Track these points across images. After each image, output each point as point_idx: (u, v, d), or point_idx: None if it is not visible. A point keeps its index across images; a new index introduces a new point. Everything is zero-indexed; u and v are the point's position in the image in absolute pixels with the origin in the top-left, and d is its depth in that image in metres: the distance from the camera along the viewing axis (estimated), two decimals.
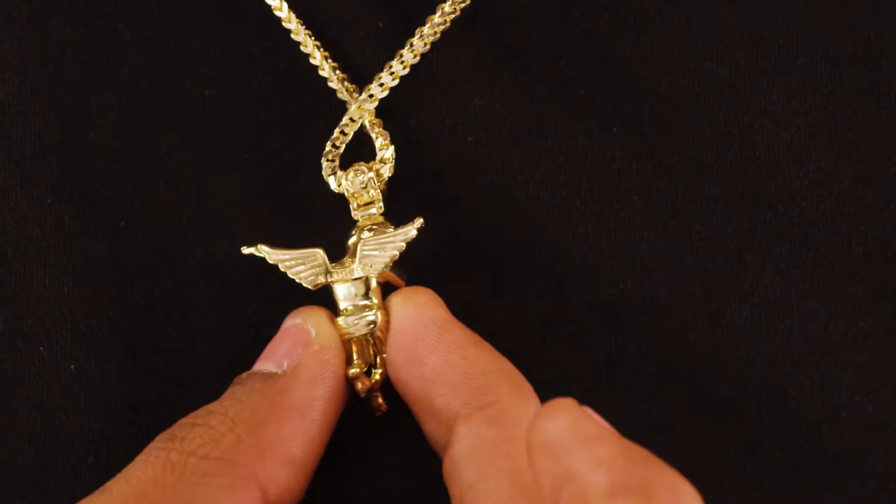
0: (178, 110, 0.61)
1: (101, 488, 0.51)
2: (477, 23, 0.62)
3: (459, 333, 0.55)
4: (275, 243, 0.59)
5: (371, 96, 0.60)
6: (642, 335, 0.58)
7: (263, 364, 0.55)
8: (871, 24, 0.61)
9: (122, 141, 0.61)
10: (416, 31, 0.60)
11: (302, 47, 0.60)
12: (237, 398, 0.53)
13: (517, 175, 0.60)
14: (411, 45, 0.60)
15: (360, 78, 0.61)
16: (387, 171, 0.60)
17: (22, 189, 0.60)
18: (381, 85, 0.60)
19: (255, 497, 0.51)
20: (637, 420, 0.58)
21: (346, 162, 0.60)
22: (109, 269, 0.60)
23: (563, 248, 0.59)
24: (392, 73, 0.60)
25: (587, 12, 0.61)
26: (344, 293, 0.57)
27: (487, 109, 0.61)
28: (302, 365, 0.54)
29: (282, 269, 0.58)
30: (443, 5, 0.60)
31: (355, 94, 0.60)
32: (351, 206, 0.60)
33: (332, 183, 0.60)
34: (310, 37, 0.61)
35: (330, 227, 0.60)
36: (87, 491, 0.56)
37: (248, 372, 0.55)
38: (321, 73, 0.60)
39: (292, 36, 0.61)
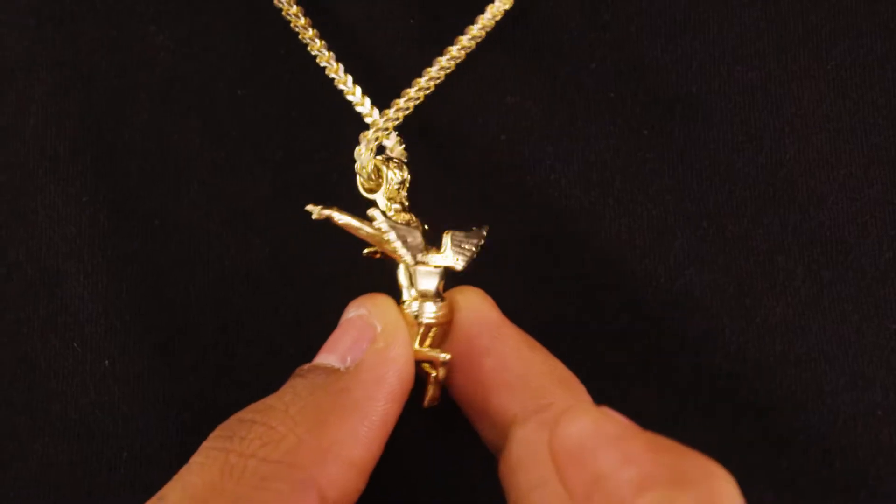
0: (210, 110, 0.61)
1: (158, 495, 0.50)
2: (510, 25, 0.62)
3: (514, 335, 0.55)
4: (307, 243, 0.59)
5: (406, 104, 0.60)
6: (676, 333, 0.58)
7: (326, 357, 0.54)
8: None
9: (156, 141, 0.61)
10: (455, 41, 0.60)
11: (327, 69, 0.61)
12: (298, 394, 0.52)
13: (550, 173, 0.60)
14: (449, 53, 0.60)
15: (392, 76, 0.61)
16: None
17: (56, 188, 0.60)
18: (420, 89, 0.60)
19: (313, 500, 0.49)
20: (671, 418, 0.58)
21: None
22: (143, 267, 0.60)
23: (596, 247, 0.59)
24: (430, 80, 0.60)
25: (617, 17, 0.62)
26: (426, 280, 0.57)
27: (519, 108, 0.61)
28: (365, 363, 0.52)
29: (386, 237, 0.57)
30: (481, 16, 0.61)
31: (374, 109, 0.60)
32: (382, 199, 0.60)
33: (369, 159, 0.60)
34: (325, 48, 0.61)
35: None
36: (122, 485, 0.57)
37: (311, 364, 0.53)
38: (340, 86, 0.60)
39: (310, 50, 0.61)
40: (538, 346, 0.54)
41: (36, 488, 0.57)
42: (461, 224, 0.58)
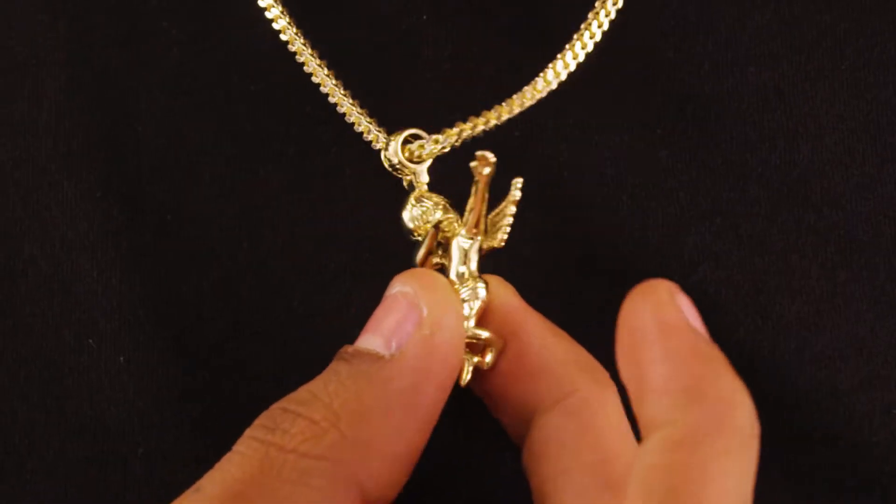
0: (223, 105, 0.61)
1: (195, 486, 0.49)
2: (522, 23, 0.62)
3: (537, 322, 0.54)
4: (319, 236, 0.59)
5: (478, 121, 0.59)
6: None
7: (370, 339, 0.51)
8: None
9: (169, 136, 0.61)
10: (509, 101, 0.59)
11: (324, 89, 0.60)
12: (342, 383, 0.49)
13: (563, 170, 0.60)
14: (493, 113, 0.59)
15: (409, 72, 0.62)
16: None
17: (69, 183, 0.60)
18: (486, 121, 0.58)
19: (354, 497, 0.48)
20: None
21: None
22: (157, 262, 0.60)
23: (610, 243, 0.59)
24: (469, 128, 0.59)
25: (630, 17, 0.62)
26: (465, 257, 0.55)
27: (533, 105, 0.61)
28: (410, 351, 0.50)
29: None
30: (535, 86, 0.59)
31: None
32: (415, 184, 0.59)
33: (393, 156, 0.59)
34: (321, 66, 0.60)
35: (376, 220, 0.60)
36: (138, 481, 0.56)
37: (354, 348, 0.51)
38: (340, 109, 0.60)
39: (305, 69, 0.60)
40: (562, 333, 0.53)
41: (52, 484, 0.57)
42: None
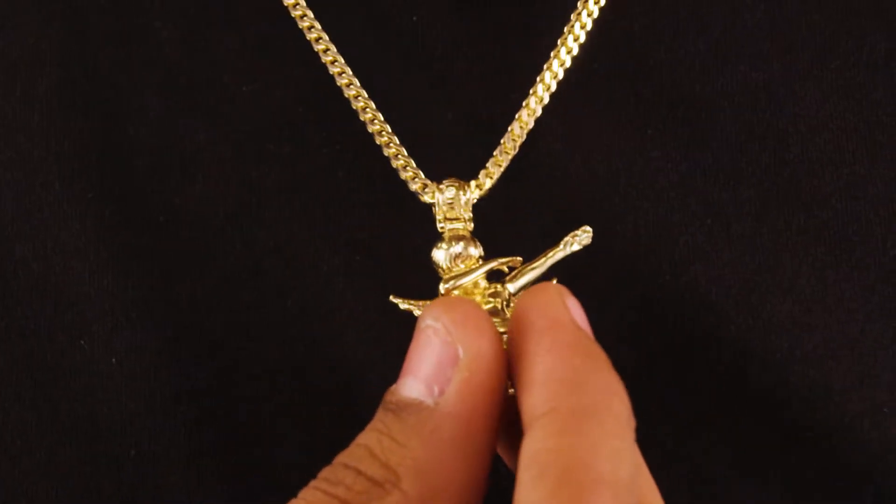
0: (216, 105, 0.61)
1: None
2: (514, 22, 0.62)
3: (561, 337, 0.49)
4: (313, 237, 0.59)
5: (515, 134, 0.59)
6: (683, 329, 0.59)
7: (411, 383, 0.48)
8: None
9: (161, 136, 0.61)
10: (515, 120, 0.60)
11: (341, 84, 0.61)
12: (395, 439, 0.48)
13: (555, 170, 0.60)
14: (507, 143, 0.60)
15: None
16: (478, 193, 0.59)
17: (62, 184, 0.60)
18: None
19: None
20: (680, 414, 0.58)
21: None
22: (150, 263, 0.59)
23: (601, 244, 0.59)
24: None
25: (621, 17, 0.62)
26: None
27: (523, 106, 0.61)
28: (454, 397, 0.47)
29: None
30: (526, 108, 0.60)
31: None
32: (437, 217, 0.59)
33: (426, 195, 0.59)
34: (335, 64, 0.61)
35: (369, 221, 0.60)
36: (131, 483, 0.56)
37: (398, 398, 0.48)
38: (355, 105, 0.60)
39: (330, 69, 0.61)
40: (592, 354, 0.48)
41: (44, 485, 0.57)
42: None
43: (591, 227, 0.58)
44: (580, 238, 0.56)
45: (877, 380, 0.58)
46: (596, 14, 0.60)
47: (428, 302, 0.56)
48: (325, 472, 0.48)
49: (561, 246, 0.56)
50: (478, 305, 0.49)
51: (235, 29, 0.62)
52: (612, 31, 0.62)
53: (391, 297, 0.57)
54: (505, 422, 0.49)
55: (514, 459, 0.50)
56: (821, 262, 0.59)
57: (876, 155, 0.60)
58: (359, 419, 0.56)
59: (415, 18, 0.62)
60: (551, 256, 0.56)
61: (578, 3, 0.60)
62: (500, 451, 0.51)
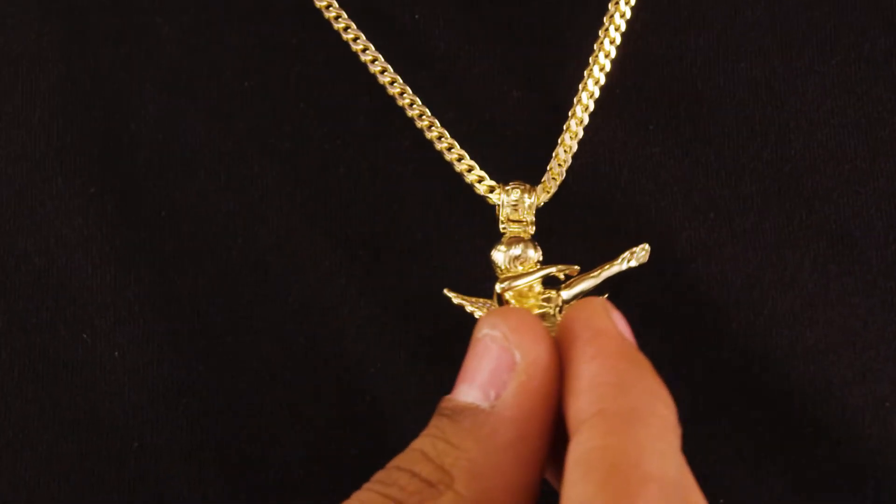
0: (217, 101, 0.61)
1: None
2: (516, 21, 0.62)
3: (606, 344, 0.49)
4: (314, 232, 0.59)
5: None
6: (686, 325, 0.59)
7: (467, 390, 0.49)
8: None
9: (163, 132, 0.61)
10: (570, 113, 0.61)
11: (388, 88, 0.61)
12: (449, 441, 0.48)
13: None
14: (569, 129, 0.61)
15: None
16: (544, 198, 0.60)
17: (64, 179, 0.60)
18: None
19: None
20: (682, 409, 0.58)
21: None
22: (152, 258, 0.60)
23: (603, 240, 0.60)
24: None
25: (623, 13, 0.62)
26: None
27: (524, 102, 0.61)
28: (510, 401, 0.48)
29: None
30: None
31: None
32: (500, 218, 0.60)
33: (494, 196, 0.60)
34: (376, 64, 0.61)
35: (370, 216, 0.60)
36: (133, 476, 0.57)
37: (454, 402, 0.49)
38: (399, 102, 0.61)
39: (370, 68, 0.61)
40: (637, 361, 0.48)
41: (46, 478, 0.57)
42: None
43: (592, 223, 0.58)
44: (637, 255, 0.58)
45: (878, 374, 0.58)
46: (624, 27, 0.61)
47: (481, 300, 0.58)
48: (379, 475, 0.48)
49: (618, 261, 0.58)
50: (533, 314, 0.50)
51: (236, 25, 0.62)
52: (612, 26, 0.62)
53: (445, 291, 0.58)
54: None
55: (558, 475, 0.50)
56: (822, 257, 0.59)
57: (877, 150, 0.61)
58: (359, 415, 0.56)
59: (417, 17, 0.62)
60: (607, 270, 0.58)
61: (609, 6, 0.61)
62: (549, 476, 0.51)
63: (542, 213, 0.60)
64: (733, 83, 0.61)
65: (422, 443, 0.48)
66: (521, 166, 0.60)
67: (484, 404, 0.48)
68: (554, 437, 0.48)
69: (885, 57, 0.62)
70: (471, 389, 0.49)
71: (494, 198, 0.59)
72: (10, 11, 0.62)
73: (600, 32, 0.61)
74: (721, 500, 0.57)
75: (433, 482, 0.47)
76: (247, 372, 0.58)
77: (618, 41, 0.61)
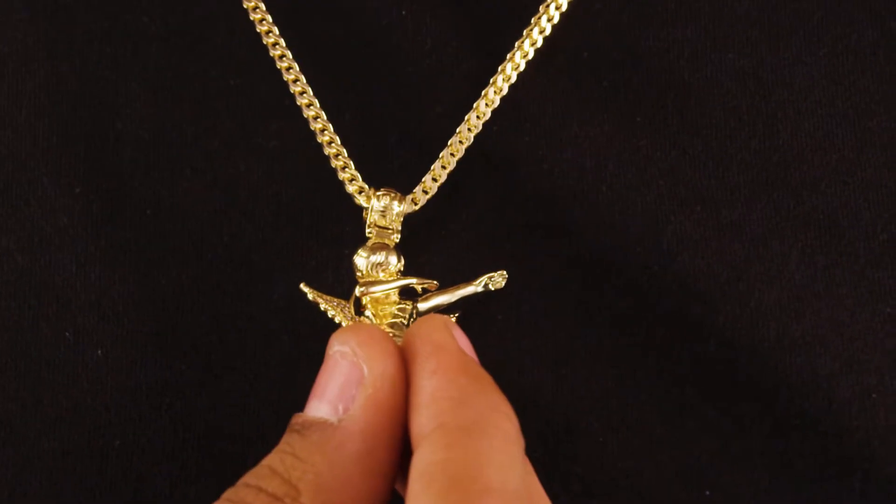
0: (203, 100, 0.61)
1: None
2: (502, 16, 0.62)
3: (446, 359, 0.49)
4: (300, 230, 0.59)
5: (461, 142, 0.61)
6: (673, 318, 0.58)
7: (317, 406, 0.50)
8: (892, 15, 0.62)
9: (149, 130, 0.61)
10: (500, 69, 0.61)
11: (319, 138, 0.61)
12: (297, 456, 0.48)
13: (543, 162, 0.60)
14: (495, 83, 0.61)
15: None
16: (411, 208, 0.60)
17: (49, 179, 0.60)
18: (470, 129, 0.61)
19: None
20: (669, 401, 0.58)
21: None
22: (136, 257, 0.60)
23: (591, 233, 0.59)
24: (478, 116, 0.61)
25: (609, 5, 0.62)
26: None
27: (511, 97, 0.61)
28: (357, 414, 0.49)
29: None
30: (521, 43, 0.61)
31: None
32: (368, 221, 0.60)
33: (361, 199, 0.60)
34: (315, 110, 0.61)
35: (354, 214, 0.60)
36: (114, 474, 0.57)
37: (303, 418, 0.50)
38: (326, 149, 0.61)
39: (277, 64, 0.62)
40: (477, 376, 0.48)
41: (27, 476, 0.57)
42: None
43: (579, 216, 0.58)
44: (494, 280, 0.58)
45: (865, 366, 0.58)
46: (564, 6, 0.61)
47: (337, 300, 0.59)
48: (228, 493, 0.48)
49: (476, 282, 0.59)
50: (382, 331, 0.50)
51: (222, 24, 0.62)
52: (599, 20, 0.62)
53: (301, 285, 0.59)
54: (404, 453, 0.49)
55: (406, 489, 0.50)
56: (810, 247, 0.59)
57: (864, 141, 0.60)
58: None
59: (403, 13, 0.62)
60: (463, 289, 0.59)
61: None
62: (399, 488, 0.51)
63: (523, 207, 0.60)
64: (721, 74, 0.61)
65: (271, 459, 0.49)
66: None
67: (332, 419, 0.49)
68: (403, 451, 0.48)
69: (872, 48, 0.61)
70: (321, 405, 0.49)
71: (363, 200, 0.60)
72: None
73: (532, 20, 0.61)
74: (707, 493, 0.57)
75: (280, 496, 0.47)
76: (231, 371, 0.58)
77: (530, 54, 0.61)
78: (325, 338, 0.58)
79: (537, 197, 0.60)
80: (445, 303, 0.58)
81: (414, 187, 0.60)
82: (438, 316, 0.50)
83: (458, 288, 0.59)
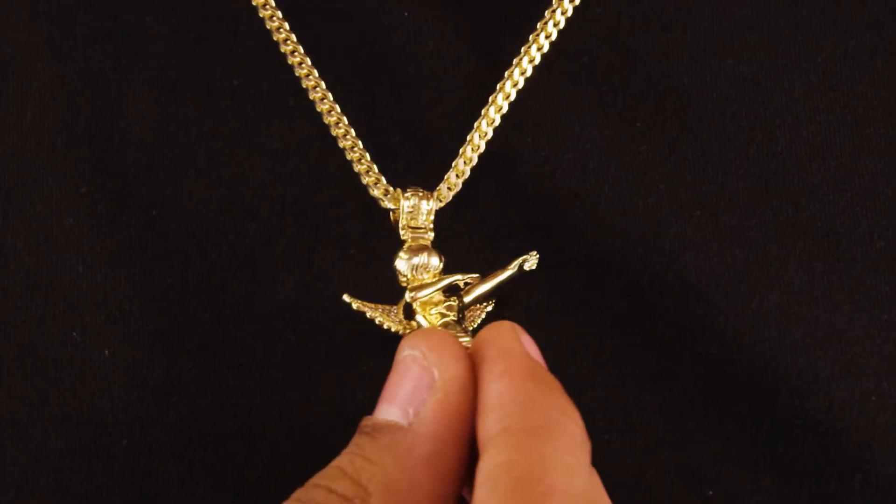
0: (206, 100, 0.62)
1: None
2: (504, 17, 0.63)
3: (513, 363, 0.50)
4: (305, 230, 0.60)
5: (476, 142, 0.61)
6: (673, 319, 0.59)
7: (387, 409, 0.50)
8: (890, 20, 0.62)
9: (153, 130, 0.61)
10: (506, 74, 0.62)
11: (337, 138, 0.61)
12: (366, 457, 0.49)
13: (545, 164, 0.61)
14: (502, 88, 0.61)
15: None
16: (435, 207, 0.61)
17: (54, 179, 0.60)
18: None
19: None
20: (669, 402, 0.58)
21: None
22: (142, 256, 0.60)
23: (592, 235, 0.60)
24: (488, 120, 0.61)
25: (609, 9, 0.62)
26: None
27: (513, 100, 0.61)
28: (428, 417, 0.49)
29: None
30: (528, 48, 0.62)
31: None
32: (401, 223, 0.60)
33: (388, 202, 0.61)
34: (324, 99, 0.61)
35: (362, 214, 0.60)
36: (122, 473, 0.57)
37: (373, 421, 0.50)
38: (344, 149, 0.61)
39: (296, 71, 0.62)
40: (544, 380, 0.49)
41: (35, 475, 0.57)
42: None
43: (580, 219, 0.59)
44: (529, 262, 0.59)
45: (864, 369, 0.58)
46: (570, 12, 0.62)
47: (383, 306, 0.59)
48: (298, 493, 0.48)
49: (510, 268, 0.59)
50: (452, 335, 0.51)
51: (225, 23, 0.62)
52: (599, 25, 0.62)
53: (344, 297, 0.58)
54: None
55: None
56: (808, 253, 0.60)
57: (862, 147, 0.61)
58: (350, 412, 0.57)
59: (405, 14, 0.62)
60: (499, 275, 0.59)
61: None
62: (465, 494, 0.51)
63: (525, 208, 0.60)
64: (720, 80, 0.62)
65: (341, 460, 0.49)
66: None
67: (403, 422, 0.49)
68: (470, 455, 0.49)
69: (870, 54, 0.62)
70: (391, 408, 0.50)
71: (389, 202, 0.60)
72: (0, 13, 0.62)
73: (538, 25, 0.62)
74: (710, 493, 0.57)
75: (349, 497, 0.47)
76: (236, 369, 0.58)
77: (537, 59, 0.61)
78: (330, 337, 0.58)
79: (539, 197, 0.61)
80: (485, 291, 0.59)
81: (420, 186, 0.60)
82: (506, 322, 0.51)
83: (494, 276, 0.59)
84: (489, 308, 0.60)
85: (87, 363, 0.58)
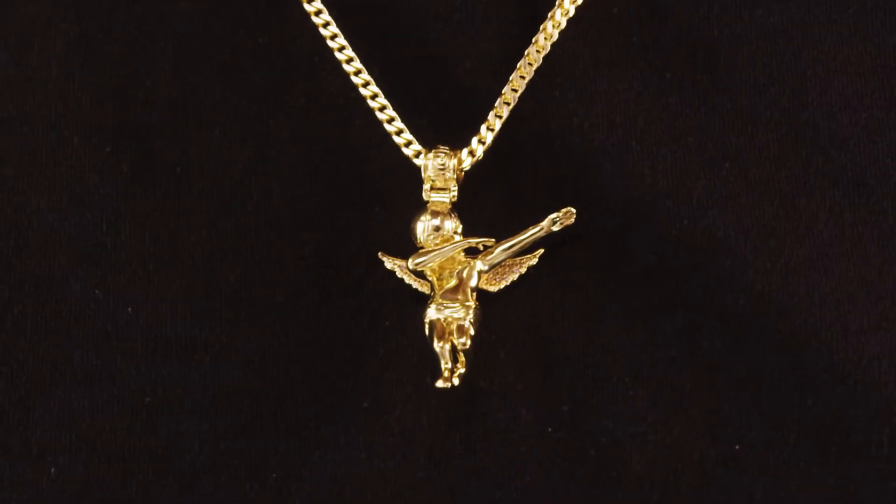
0: (231, 58, 0.62)
1: None
2: None
3: None
4: (329, 189, 0.60)
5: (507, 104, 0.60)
6: (702, 273, 0.58)
7: None
8: None
9: (178, 89, 0.61)
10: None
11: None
12: None
13: (573, 118, 0.60)
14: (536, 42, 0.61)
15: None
16: (468, 164, 0.60)
17: (80, 139, 0.61)
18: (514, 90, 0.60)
19: None
20: (698, 357, 0.58)
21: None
22: (166, 215, 0.60)
23: (620, 189, 0.60)
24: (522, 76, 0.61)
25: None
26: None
27: (547, 53, 0.61)
28: None
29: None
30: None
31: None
32: (424, 186, 0.60)
33: (418, 161, 0.60)
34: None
35: (386, 171, 0.60)
36: (144, 431, 0.57)
37: None
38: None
39: (322, 32, 0.61)
40: None
41: (58, 434, 0.58)
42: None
43: (608, 171, 0.58)
44: (561, 219, 0.58)
45: (893, 322, 0.58)
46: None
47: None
48: None
49: (540, 227, 0.59)
50: None
51: None
52: None
53: (379, 254, 0.58)
54: None
55: None
56: (838, 205, 0.59)
57: (893, 99, 0.60)
58: (367, 366, 0.57)
59: None
60: (528, 237, 0.59)
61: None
62: None
63: (553, 161, 0.60)
64: (750, 31, 0.61)
65: None
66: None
67: None
68: None
69: None
70: None
71: (419, 162, 0.59)
72: None
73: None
74: (737, 446, 0.57)
75: None
76: (259, 328, 0.58)
77: (571, 11, 0.60)
78: (354, 295, 0.58)
79: (567, 150, 0.60)
80: (510, 253, 0.59)
81: (448, 143, 0.60)
82: None
83: (520, 235, 0.59)
84: (533, 262, 0.59)
85: (111, 322, 0.59)
